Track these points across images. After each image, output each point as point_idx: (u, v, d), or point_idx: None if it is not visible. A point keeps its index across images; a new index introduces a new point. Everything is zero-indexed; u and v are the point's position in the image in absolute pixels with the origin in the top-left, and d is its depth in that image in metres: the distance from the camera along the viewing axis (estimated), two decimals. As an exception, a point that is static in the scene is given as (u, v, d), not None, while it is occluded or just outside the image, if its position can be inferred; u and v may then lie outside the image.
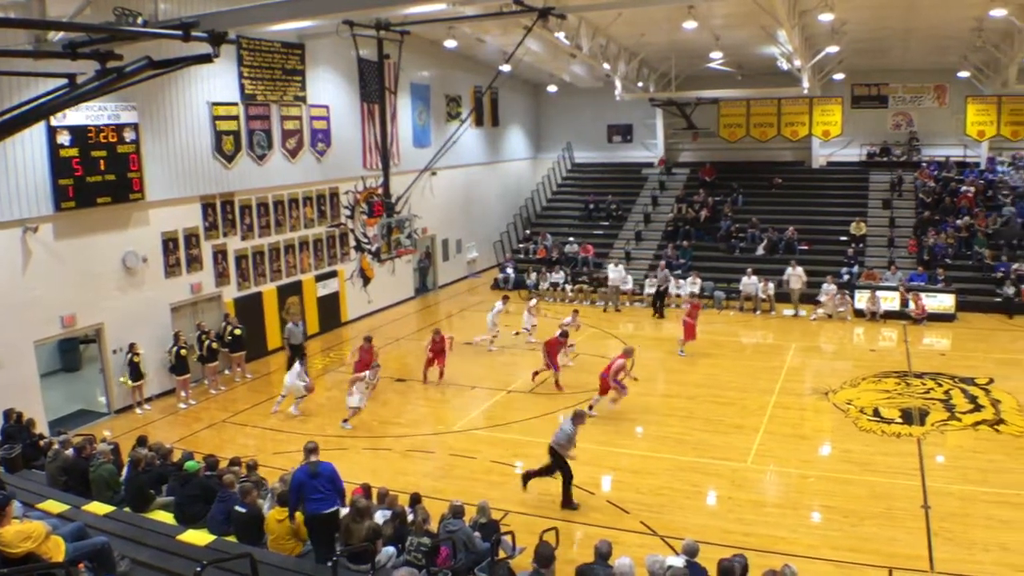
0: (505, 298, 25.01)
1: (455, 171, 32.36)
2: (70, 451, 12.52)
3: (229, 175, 21.96)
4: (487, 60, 31.18)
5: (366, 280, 27.61)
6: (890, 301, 26.09)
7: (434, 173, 27.13)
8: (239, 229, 22.48)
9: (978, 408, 17.63)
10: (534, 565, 8.91)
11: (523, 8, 16.99)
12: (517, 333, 24.29)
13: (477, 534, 10.45)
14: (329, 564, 8.49)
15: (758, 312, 27.44)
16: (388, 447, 16.68)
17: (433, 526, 10.68)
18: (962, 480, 14.14)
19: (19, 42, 15.21)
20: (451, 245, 33.88)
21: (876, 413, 17.50)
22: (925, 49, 29.13)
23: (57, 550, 7.67)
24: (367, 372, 18.02)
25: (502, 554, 10.56)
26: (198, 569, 7.52)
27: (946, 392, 18.70)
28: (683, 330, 22.52)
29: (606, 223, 35.35)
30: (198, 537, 9.60)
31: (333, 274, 26.39)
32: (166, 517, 11.11)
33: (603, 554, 9.13)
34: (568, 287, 30.57)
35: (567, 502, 13.59)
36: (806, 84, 29.12)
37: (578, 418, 13.78)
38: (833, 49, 25.41)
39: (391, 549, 9.87)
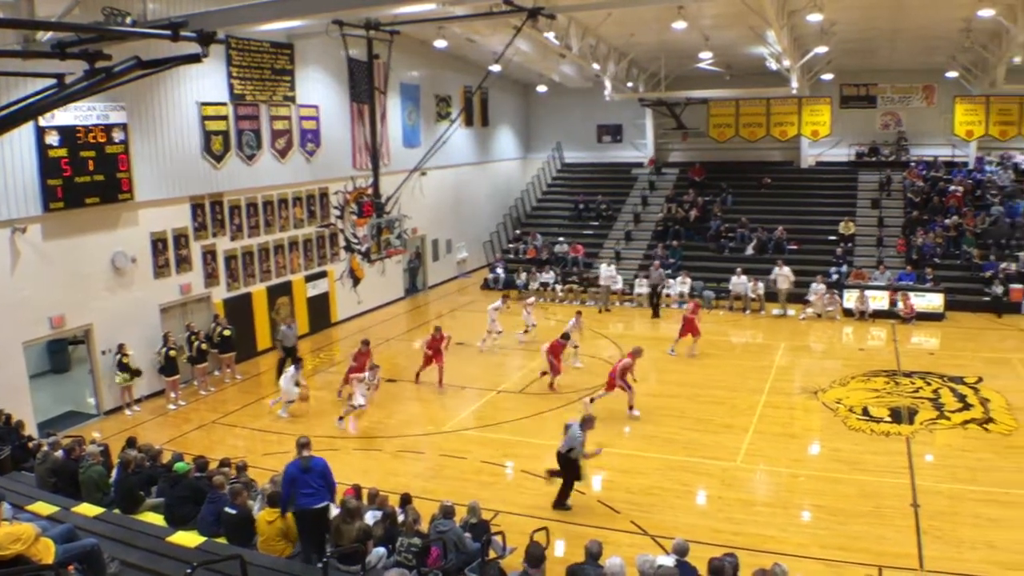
0: (505, 297, 24.97)
1: (445, 171, 32.36)
2: (59, 453, 12.48)
3: (218, 175, 21.90)
4: (477, 60, 31.16)
5: (356, 280, 27.73)
6: (879, 300, 26.19)
7: (424, 173, 27.10)
8: (228, 229, 22.42)
9: (967, 407, 17.71)
10: (524, 565, 8.92)
11: (513, 8, 16.99)
12: (525, 331, 24.32)
13: (467, 534, 10.44)
14: (319, 565, 8.48)
15: (747, 312, 27.52)
16: (379, 447, 16.67)
17: (424, 526, 10.68)
18: (951, 479, 14.19)
19: (7, 42, 15.17)
20: (441, 245, 33.87)
21: (865, 412, 17.56)
22: (913, 49, 29.25)
23: (47, 552, 7.63)
24: (366, 373, 17.93)
25: (492, 554, 10.56)
26: (188, 571, 7.51)
27: (935, 391, 18.77)
28: (682, 328, 22.43)
29: (596, 223, 35.38)
30: (188, 539, 9.58)
31: (323, 275, 26.34)
32: (156, 519, 11.08)
33: (593, 554, 9.13)
34: (558, 287, 30.59)
35: (560, 501, 13.58)
36: (795, 84, 29.23)
37: (587, 423, 13.56)
38: (822, 49, 25.49)
39: (381, 550, 9.87)
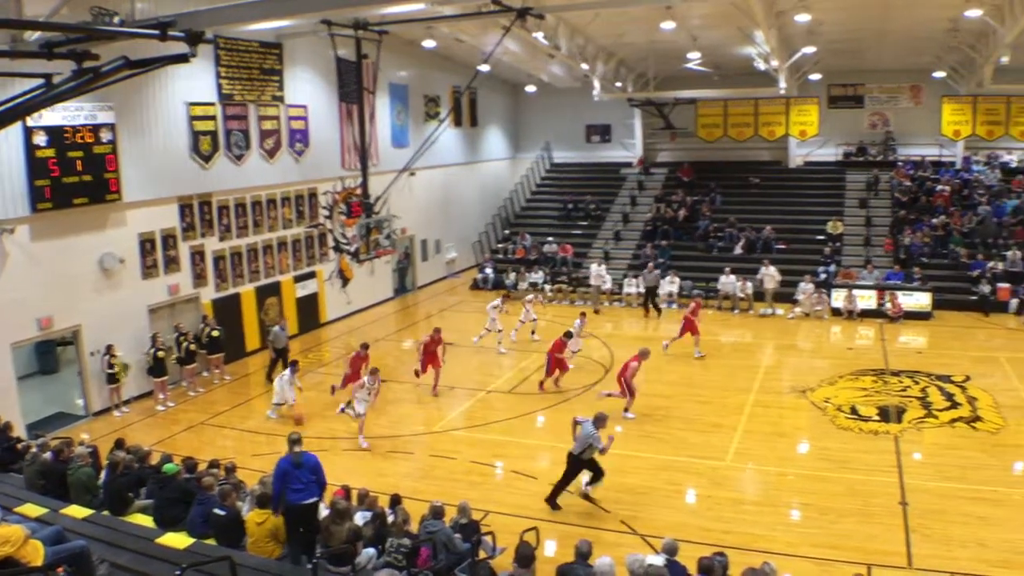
0: (505, 296, 24.91)
1: (434, 171, 32.33)
2: (48, 454, 12.41)
3: (207, 175, 21.82)
4: (466, 60, 31.18)
5: (345, 281, 27.70)
6: (867, 300, 26.29)
7: (413, 173, 27.08)
8: (217, 230, 22.35)
9: (955, 405, 17.79)
10: (514, 565, 8.93)
11: (501, 8, 17.00)
12: (533, 332, 24.38)
13: (457, 535, 10.44)
14: (309, 566, 8.47)
15: (736, 311, 27.59)
16: (368, 448, 16.62)
17: (413, 527, 10.68)
18: (939, 477, 14.26)
19: (-6, 42, 15.11)
20: (430, 245, 33.83)
21: (854, 411, 17.62)
22: (901, 50, 29.34)
23: (35, 554, 7.60)
24: (366, 378, 17.54)
25: (482, 554, 10.56)
26: (177, 572, 7.49)
27: (923, 390, 18.85)
28: (682, 328, 22.35)
29: (585, 223, 35.42)
30: (177, 540, 9.54)
31: (312, 275, 26.28)
32: (145, 520, 11.03)
33: (583, 554, 9.15)
34: (547, 287, 30.60)
35: (552, 498, 13.58)
36: (783, 84, 29.31)
37: (599, 421, 13.44)
38: (810, 50, 25.59)
39: (371, 551, 9.86)
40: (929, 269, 27.54)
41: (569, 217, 36.05)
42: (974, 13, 21.27)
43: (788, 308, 26.94)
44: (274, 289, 24.53)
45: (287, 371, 18.56)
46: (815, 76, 32.82)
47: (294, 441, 10.41)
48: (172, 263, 20.95)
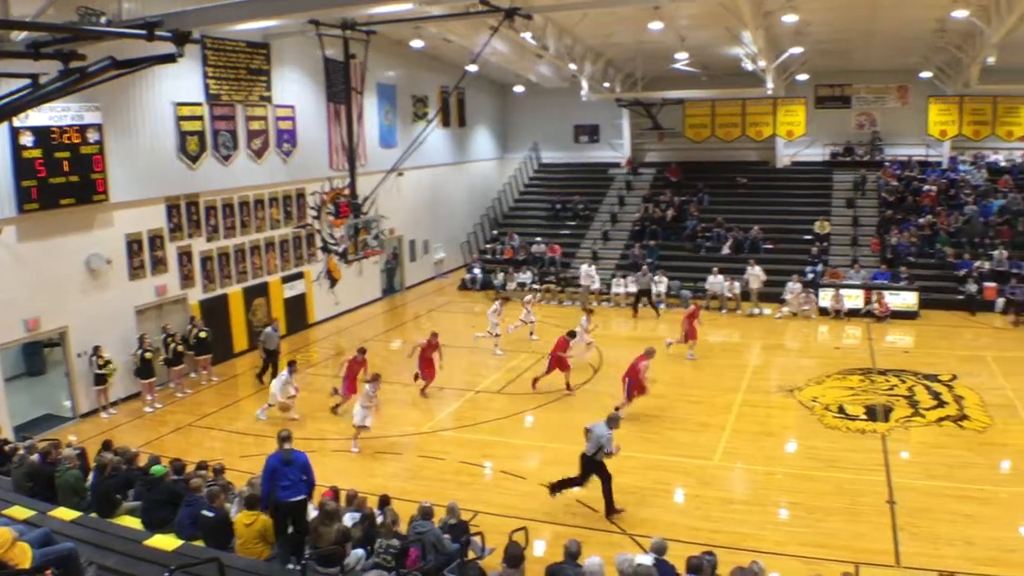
0: (504, 300, 24.87)
1: (422, 171, 32.31)
2: (35, 456, 12.36)
3: (194, 176, 21.73)
4: (454, 60, 31.16)
5: (333, 281, 27.65)
6: (854, 299, 26.39)
7: (401, 174, 27.05)
8: (204, 230, 22.26)
9: (942, 404, 17.88)
10: (503, 565, 8.93)
11: (489, 8, 17.00)
12: (531, 333, 24.37)
13: (446, 535, 10.43)
14: (298, 567, 8.46)
15: (724, 311, 27.66)
16: (358, 452, 16.56)
17: (402, 528, 10.67)
18: (926, 475, 14.32)
19: (-21, 42, 15.01)
20: (418, 246, 33.80)
21: (841, 410, 17.69)
22: (888, 50, 29.46)
23: (23, 556, 7.58)
24: (368, 386, 17.40)
25: (471, 555, 10.55)
26: (165, 574, 7.48)
27: (910, 389, 18.93)
28: (685, 333, 22.24)
29: (573, 223, 35.44)
30: (165, 542, 9.51)
31: (300, 275, 26.23)
32: (133, 522, 10.99)
33: (572, 553, 9.16)
34: (535, 287, 30.59)
35: (555, 487, 13.60)
36: (770, 85, 29.40)
37: (612, 421, 13.43)
38: (797, 50, 25.65)
39: (360, 551, 9.84)
40: (916, 269, 27.65)
41: (557, 217, 36.06)
42: (961, 14, 21.38)
43: (776, 308, 27.02)
44: (262, 290, 24.46)
45: (285, 371, 18.42)
46: (802, 76, 32.93)
47: (284, 438, 10.42)
48: (159, 264, 20.87)
